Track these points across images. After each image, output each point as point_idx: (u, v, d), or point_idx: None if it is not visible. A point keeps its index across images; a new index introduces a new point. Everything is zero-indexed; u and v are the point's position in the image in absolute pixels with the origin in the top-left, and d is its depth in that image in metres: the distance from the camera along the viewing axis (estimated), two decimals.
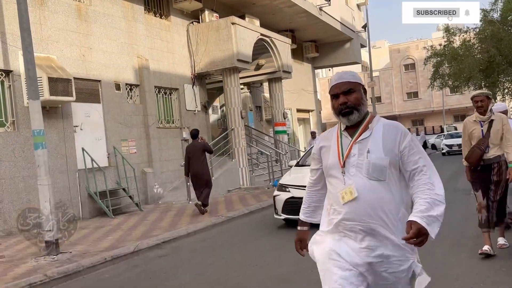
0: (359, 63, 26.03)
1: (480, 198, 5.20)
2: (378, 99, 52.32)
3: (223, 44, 13.96)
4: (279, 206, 7.73)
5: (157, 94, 13.32)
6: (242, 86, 17.96)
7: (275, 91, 17.42)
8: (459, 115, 49.03)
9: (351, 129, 2.32)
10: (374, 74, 50.84)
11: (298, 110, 23.47)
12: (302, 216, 2.62)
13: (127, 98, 12.27)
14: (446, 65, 26.18)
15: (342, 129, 2.35)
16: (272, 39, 16.19)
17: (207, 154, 9.94)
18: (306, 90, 24.04)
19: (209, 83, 16.40)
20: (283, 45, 16.88)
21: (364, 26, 24.34)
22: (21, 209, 7.78)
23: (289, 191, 7.65)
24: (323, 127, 52.67)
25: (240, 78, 17.17)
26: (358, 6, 26.68)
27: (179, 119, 14.00)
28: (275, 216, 7.95)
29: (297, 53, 23.19)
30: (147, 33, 13.07)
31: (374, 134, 2.27)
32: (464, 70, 23.87)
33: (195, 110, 14.51)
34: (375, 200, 2.20)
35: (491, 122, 5.14)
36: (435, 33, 50.92)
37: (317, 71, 64.40)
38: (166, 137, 13.33)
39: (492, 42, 23.34)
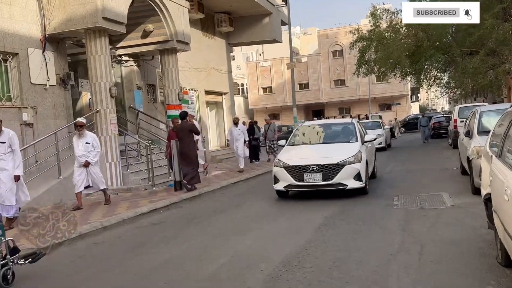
0: (279, 42, 23.14)
1: None
2: (306, 85, 50.43)
3: None
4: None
5: None
6: (127, 58, 14.43)
7: (169, 66, 14.05)
8: (384, 104, 48.53)
9: None
10: (303, 59, 48.82)
11: (207, 92, 20.20)
12: None
13: None
14: (373, 50, 24.45)
15: None
16: None
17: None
18: (218, 70, 20.81)
19: (77, 54, 12.71)
20: (177, 7, 13.49)
21: (285, 0, 21.47)
22: None
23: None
24: (250, 113, 50.06)
25: (124, 47, 13.78)
26: None
27: (19, 96, 10.25)
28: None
29: (207, 26, 19.89)
30: None
31: None
32: (392, 54, 21.97)
33: (46, 85, 10.78)
34: None
35: None
36: (364, 19, 49.73)
37: (247, 54, 61.23)
38: None
39: (420, 25, 21.51)
